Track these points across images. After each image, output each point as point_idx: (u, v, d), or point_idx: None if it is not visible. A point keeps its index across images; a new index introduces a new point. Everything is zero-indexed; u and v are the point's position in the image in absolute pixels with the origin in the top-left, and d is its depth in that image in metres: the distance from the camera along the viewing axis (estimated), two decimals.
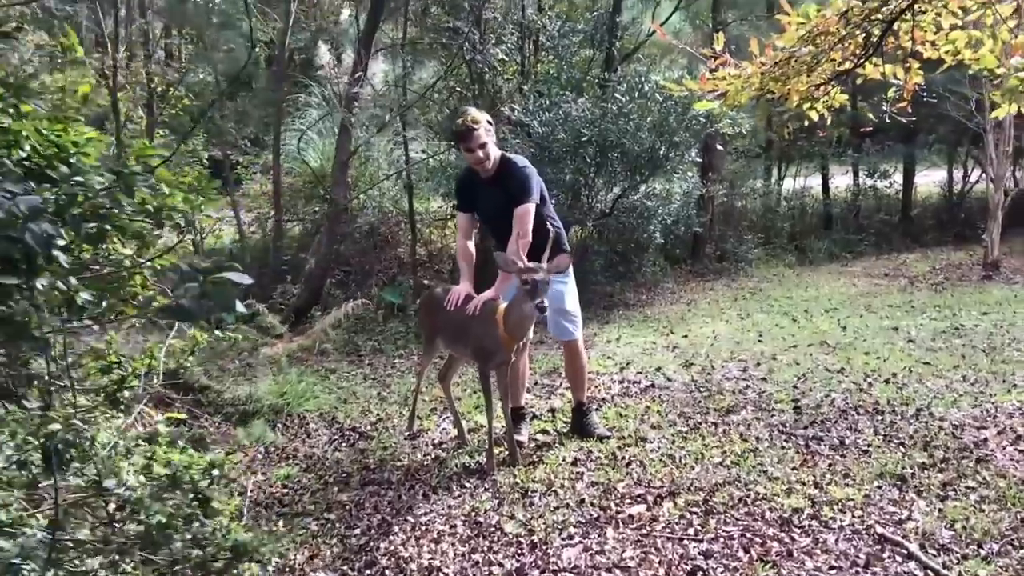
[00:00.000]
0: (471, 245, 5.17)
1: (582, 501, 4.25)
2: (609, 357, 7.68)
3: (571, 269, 5.26)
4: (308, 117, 11.57)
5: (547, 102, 9.42)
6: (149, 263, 2.01)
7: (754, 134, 10.78)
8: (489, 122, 4.86)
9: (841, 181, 16.51)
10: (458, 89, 10.70)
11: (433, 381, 6.17)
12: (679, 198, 10.60)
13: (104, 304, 2.03)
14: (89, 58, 9.54)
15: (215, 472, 2.15)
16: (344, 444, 5.47)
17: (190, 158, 10.54)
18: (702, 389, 6.38)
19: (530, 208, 4.78)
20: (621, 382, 6.79)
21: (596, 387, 6.64)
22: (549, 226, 4.79)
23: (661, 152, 9.49)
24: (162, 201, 1.99)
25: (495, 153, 4.91)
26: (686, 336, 8.46)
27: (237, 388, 5.93)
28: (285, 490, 4.66)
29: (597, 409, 5.82)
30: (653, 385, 6.65)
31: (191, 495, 1.96)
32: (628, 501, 4.24)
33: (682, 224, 10.80)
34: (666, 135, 9.28)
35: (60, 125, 2.17)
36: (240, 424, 5.42)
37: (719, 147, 11.99)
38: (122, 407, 2.66)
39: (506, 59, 10.10)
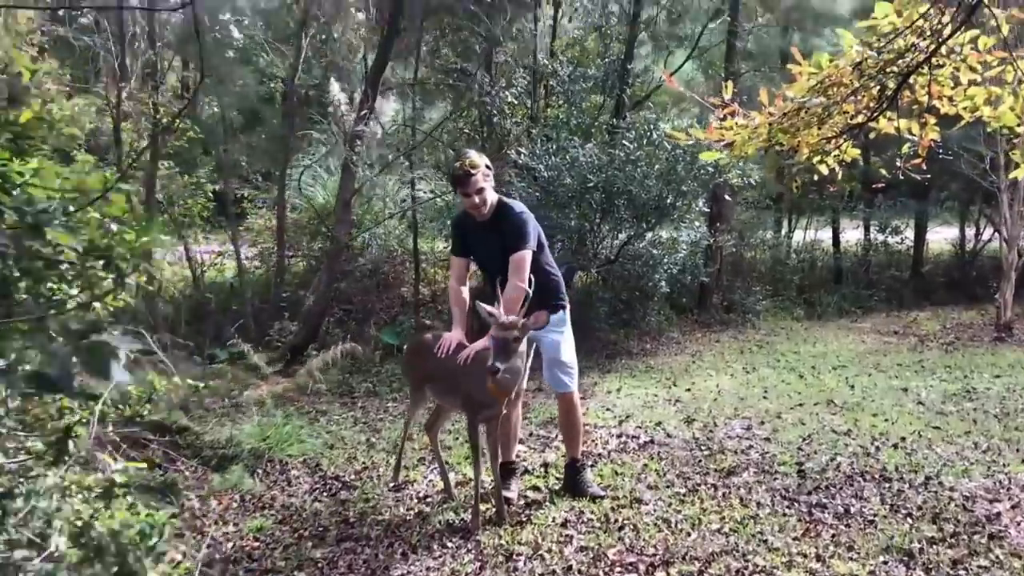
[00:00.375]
0: (465, 291, 5.00)
1: (569, 568, 4.01)
2: (608, 409, 7.44)
3: (567, 318, 5.08)
4: (317, 153, 11.48)
5: (554, 146, 9.30)
6: (72, 310, 1.82)
7: (763, 185, 10.62)
8: (488, 166, 4.71)
9: (852, 235, 16.29)
10: (466, 130, 10.62)
11: (423, 428, 5.96)
12: (686, 247, 10.42)
13: None
14: (100, 88, 9.51)
15: (153, 539, 1.94)
16: (325, 494, 5.24)
17: (193, 190, 10.46)
18: (703, 447, 6.14)
19: (526, 255, 4.62)
20: (619, 436, 6.56)
21: (593, 441, 6.40)
22: (527, 281, 4.60)
23: (668, 200, 9.34)
24: (105, 240, 1.81)
25: (492, 198, 4.76)
26: (689, 389, 8.22)
27: (219, 431, 5.72)
28: (256, 543, 4.42)
29: (592, 465, 5.59)
30: (652, 441, 6.41)
31: (114, 569, 1.75)
32: (619, 569, 4.00)
33: (688, 274, 10.61)
34: (674, 183, 9.13)
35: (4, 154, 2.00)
36: (218, 469, 5.20)
37: (728, 197, 11.83)
38: (68, 457, 2.46)
39: (515, 102, 10.01)
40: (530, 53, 11.04)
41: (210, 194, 10.58)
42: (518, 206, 4.80)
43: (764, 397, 7.88)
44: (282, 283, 10.37)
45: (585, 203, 9.53)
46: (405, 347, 6.16)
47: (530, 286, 4.50)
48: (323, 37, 10.92)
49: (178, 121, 9.68)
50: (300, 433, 6.08)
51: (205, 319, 9.81)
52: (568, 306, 5.11)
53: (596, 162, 9.05)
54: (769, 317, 12.94)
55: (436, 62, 10.82)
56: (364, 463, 5.93)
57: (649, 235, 10.07)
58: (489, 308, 4.44)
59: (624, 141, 9.11)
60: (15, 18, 6.88)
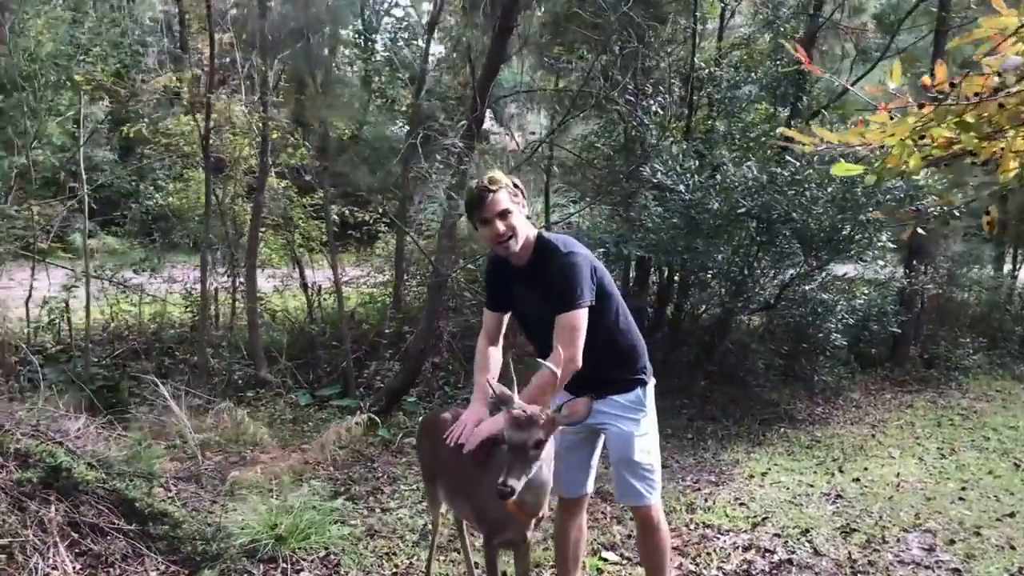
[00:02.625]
0: (496, 353, 3.62)
1: None
2: (742, 503, 5.74)
3: (650, 399, 3.59)
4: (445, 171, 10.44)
5: (698, 164, 7.67)
6: None
7: (974, 213, 8.39)
8: (516, 187, 3.32)
9: None
10: (600, 146, 9.18)
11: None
12: (868, 290, 8.44)
13: None
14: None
15: None
16: None
17: (311, 213, 9.70)
18: None
19: (578, 317, 3.21)
20: (746, 549, 4.90)
21: (707, 554, 4.79)
22: (578, 353, 3.18)
23: (844, 232, 7.44)
24: None
25: (526, 231, 3.36)
26: (858, 479, 6.33)
27: (210, 515, 4.62)
28: None
29: None
30: (791, 562, 4.73)
31: None
32: None
33: (875, 322, 8.58)
34: (851, 210, 7.25)
35: None
36: (195, 572, 4.06)
37: (921, 230, 9.59)
38: None
39: (661, 112, 8.47)
40: (687, 57, 9.45)
41: (335, 217, 9.80)
42: (567, 244, 3.37)
43: (960, 498, 5.89)
44: (395, 317, 9.35)
45: (738, 233, 7.83)
46: (418, 426, 4.84)
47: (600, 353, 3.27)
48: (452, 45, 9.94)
49: (292, 136, 8.90)
50: (329, 517, 4.85)
51: (312, 352, 8.96)
52: (651, 381, 3.61)
53: (750, 183, 7.34)
54: (981, 376, 10.47)
55: (569, 67, 9.45)
56: (405, 562, 4.64)
57: (820, 275, 8.19)
58: (499, 387, 3.07)
59: (788, 158, 7.34)
60: None
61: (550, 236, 3.42)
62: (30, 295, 7.90)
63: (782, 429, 7.88)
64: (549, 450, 3.07)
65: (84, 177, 8.06)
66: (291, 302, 10.10)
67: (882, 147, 2.45)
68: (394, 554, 4.75)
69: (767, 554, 4.85)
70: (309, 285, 9.69)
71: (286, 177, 9.70)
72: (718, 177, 7.63)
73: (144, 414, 6.55)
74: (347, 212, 9.87)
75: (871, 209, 7.03)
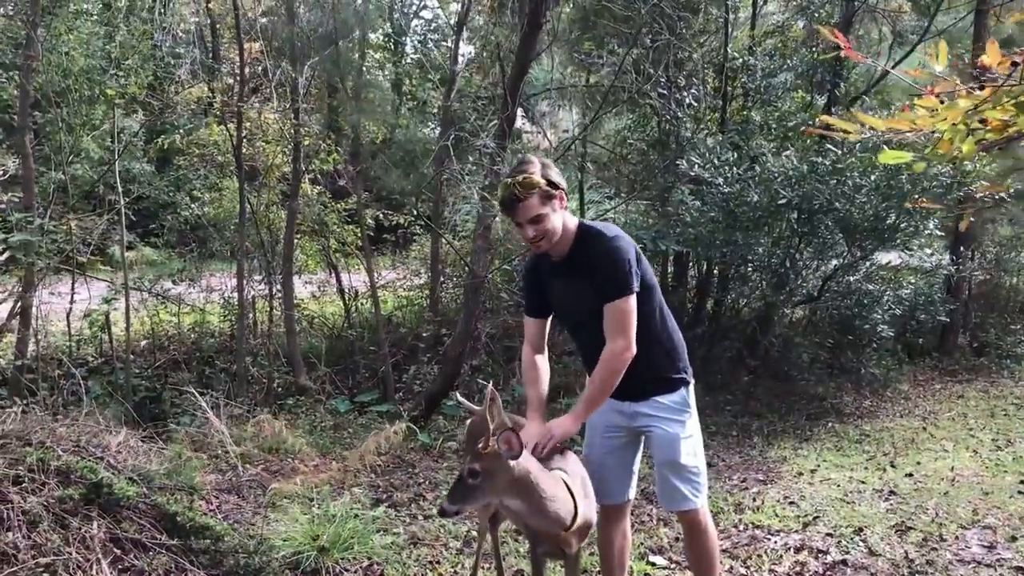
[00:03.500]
0: (542, 363, 3.51)
1: None
2: (793, 502, 5.60)
3: (691, 395, 3.48)
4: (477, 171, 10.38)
5: (736, 156, 7.51)
6: None
7: (1021, 196, 8.09)
8: (551, 184, 3.22)
9: None
10: (633, 141, 9.04)
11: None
12: (916, 280, 8.23)
13: None
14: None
15: None
16: None
17: (346, 218, 9.68)
18: None
19: (630, 302, 3.14)
20: (798, 550, 4.77)
21: (757, 556, 4.67)
22: (632, 342, 3.11)
23: (889, 221, 7.24)
24: None
25: (568, 222, 3.29)
26: (911, 475, 6.15)
27: (252, 527, 4.59)
28: None
29: None
30: (845, 563, 4.59)
31: None
32: None
33: (921, 312, 8.35)
34: (896, 198, 7.05)
35: None
36: None
37: (970, 217, 9.30)
38: None
39: (695, 104, 8.32)
40: (720, 47, 9.28)
41: (370, 221, 9.79)
42: (610, 229, 3.27)
43: (1020, 492, 5.70)
44: (433, 320, 9.30)
45: (779, 224, 7.66)
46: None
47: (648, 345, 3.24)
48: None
49: (324, 142, 8.89)
50: (372, 526, 4.80)
51: (351, 358, 8.95)
52: (692, 382, 3.51)
53: (790, 173, 7.17)
54: None
55: (600, 62, 9.31)
56: (450, 570, 4.57)
57: (865, 265, 7.99)
58: (467, 404, 3.24)
59: (829, 146, 7.15)
60: None
61: (592, 223, 3.33)
62: (71, 308, 7.95)
63: (830, 424, 7.70)
64: (575, 466, 3.06)
65: (120, 190, 8.11)
66: (328, 308, 10.10)
67: (932, 132, 2.35)
68: (438, 562, 4.68)
69: (820, 555, 4.71)
70: (345, 290, 9.68)
71: (319, 183, 9.70)
72: (756, 168, 7.47)
73: (185, 426, 6.56)
74: (381, 216, 9.85)
75: (916, 196, 6.83)
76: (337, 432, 7.25)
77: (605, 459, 3.47)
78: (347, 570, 4.46)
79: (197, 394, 6.35)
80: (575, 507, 3.08)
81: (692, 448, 3.43)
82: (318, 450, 6.73)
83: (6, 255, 6.74)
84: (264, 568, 4.12)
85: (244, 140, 8.05)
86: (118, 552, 3.92)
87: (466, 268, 8.34)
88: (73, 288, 8.05)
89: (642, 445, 3.56)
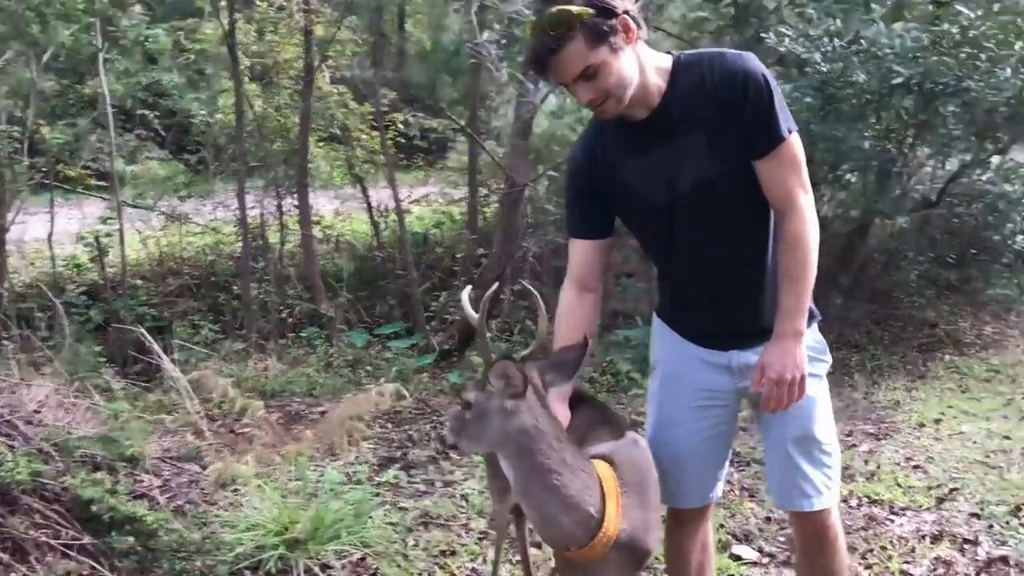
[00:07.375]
0: (588, 304, 2.25)
1: None
2: (917, 466, 4.30)
3: (825, 347, 2.24)
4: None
5: (836, 25, 5.98)
6: None
7: None
8: (603, 9, 1.88)
9: None
10: (709, 17, 7.47)
11: None
12: None
13: None
14: None
15: None
16: None
17: (372, 123, 8.42)
18: None
19: (798, 141, 1.97)
20: (935, 539, 3.51)
21: (880, 548, 3.42)
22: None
23: None
24: None
25: (651, 60, 2.02)
26: None
27: (207, 512, 3.48)
28: None
29: None
30: (1005, 560, 3.32)
31: None
32: None
33: None
34: None
35: None
36: None
37: None
38: None
39: None
40: None
41: (400, 126, 8.54)
42: (730, 53, 2.00)
43: None
44: (471, 239, 8.05)
45: (890, 113, 6.17)
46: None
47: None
48: None
49: (336, 30, 7.60)
50: (371, 503, 3.67)
51: (378, 283, 7.85)
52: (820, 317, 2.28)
53: (907, 46, 5.65)
54: None
55: None
56: (467, 566, 3.45)
57: (996, 161, 6.46)
58: (467, 307, 2.15)
59: (960, 7, 5.60)
60: None
61: (696, 51, 2.06)
62: (51, 230, 6.94)
63: (947, 356, 6.32)
64: (634, 454, 1.89)
65: (106, 91, 7.03)
66: (357, 226, 8.95)
67: None
68: (453, 552, 3.55)
69: (967, 547, 3.45)
70: (374, 206, 8.45)
71: (344, 82, 8.44)
72: (863, 43, 5.93)
73: (180, 364, 5.48)
74: (410, 120, 8.53)
75: None
76: (355, 371, 6.18)
77: (697, 447, 2.28)
78: (329, 566, 3.35)
79: (176, 327, 5.26)
80: (603, 515, 1.91)
81: (827, 415, 2.25)
82: (329, 392, 5.69)
83: None
84: (207, 574, 3.03)
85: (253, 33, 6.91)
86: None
87: (505, 178, 7.06)
88: (52, 206, 7.02)
89: (736, 425, 2.34)
